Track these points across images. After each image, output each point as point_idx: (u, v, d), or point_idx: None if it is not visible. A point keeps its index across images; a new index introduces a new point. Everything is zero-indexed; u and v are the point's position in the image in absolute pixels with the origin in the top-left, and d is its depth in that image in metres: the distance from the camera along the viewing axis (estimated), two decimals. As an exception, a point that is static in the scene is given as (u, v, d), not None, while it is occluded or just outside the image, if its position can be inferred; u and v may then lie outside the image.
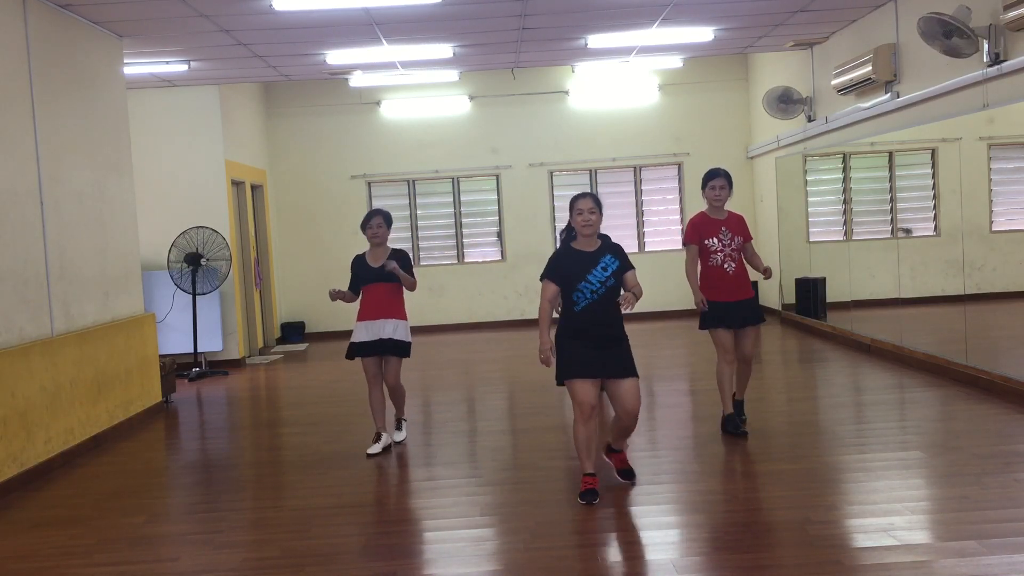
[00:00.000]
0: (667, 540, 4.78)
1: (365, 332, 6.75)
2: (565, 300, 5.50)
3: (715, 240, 6.69)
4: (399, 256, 6.81)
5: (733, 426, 6.70)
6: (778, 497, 5.38)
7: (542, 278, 5.57)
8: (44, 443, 6.74)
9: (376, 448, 6.78)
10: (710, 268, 6.72)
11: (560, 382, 5.46)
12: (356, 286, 6.85)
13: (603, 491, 5.53)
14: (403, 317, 6.83)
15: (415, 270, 7.20)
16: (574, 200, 5.52)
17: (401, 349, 6.78)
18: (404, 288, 6.81)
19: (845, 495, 5.39)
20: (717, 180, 6.73)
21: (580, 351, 5.38)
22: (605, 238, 5.63)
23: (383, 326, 6.72)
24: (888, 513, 4.86)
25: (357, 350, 6.79)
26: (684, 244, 6.87)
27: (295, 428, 8.16)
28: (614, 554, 4.66)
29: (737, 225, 6.78)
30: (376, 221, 6.80)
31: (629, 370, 5.43)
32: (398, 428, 7.12)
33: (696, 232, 6.74)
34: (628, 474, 5.71)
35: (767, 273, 6.70)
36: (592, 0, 8.48)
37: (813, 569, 4.20)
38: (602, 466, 5.77)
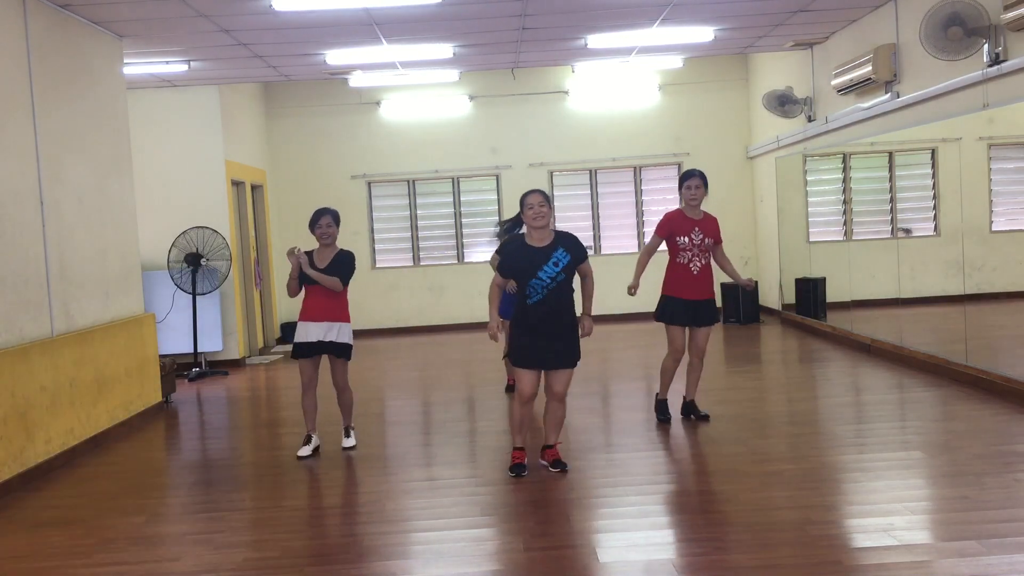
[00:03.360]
0: (667, 540, 4.78)
1: (308, 333, 6.73)
2: (519, 291, 5.81)
3: (686, 239, 6.91)
4: (342, 259, 6.75)
5: (663, 414, 7.16)
6: (778, 497, 5.38)
7: (496, 268, 6.05)
8: (44, 443, 6.74)
9: (306, 451, 6.81)
10: (678, 265, 6.98)
11: (509, 360, 6.00)
12: (301, 279, 6.72)
13: (603, 490, 5.54)
14: (346, 320, 6.81)
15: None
16: (524, 196, 5.82)
17: (343, 351, 6.80)
18: (333, 288, 6.70)
19: (845, 495, 5.39)
20: (692, 180, 6.99)
21: (530, 341, 5.80)
22: (559, 233, 5.85)
23: (327, 329, 6.71)
24: (888, 513, 4.86)
25: (299, 350, 6.77)
26: (654, 234, 7.11)
27: (295, 428, 8.15)
28: (614, 554, 4.65)
29: (711, 227, 6.99)
30: (325, 220, 6.73)
31: (568, 362, 5.85)
32: (346, 435, 7.01)
33: (668, 227, 6.98)
34: (558, 463, 5.95)
35: (748, 285, 6.99)
36: (592, 0, 8.48)
37: (813, 569, 4.20)
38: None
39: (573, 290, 5.84)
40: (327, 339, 6.72)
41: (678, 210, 7.07)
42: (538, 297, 5.72)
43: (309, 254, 6.77)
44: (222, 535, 5.19)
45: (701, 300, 6.95)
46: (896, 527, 4.65)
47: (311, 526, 5.23)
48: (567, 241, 5.80)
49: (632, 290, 6.89)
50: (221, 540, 5.10)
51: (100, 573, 4.71)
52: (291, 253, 6.66)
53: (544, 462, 6.01)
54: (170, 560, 4.87)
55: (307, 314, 6.75)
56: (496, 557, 4.64)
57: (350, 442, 6.97)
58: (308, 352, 6.76)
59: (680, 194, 7.04)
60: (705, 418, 7.11)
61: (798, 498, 5.26)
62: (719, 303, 12.43)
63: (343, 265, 6.74)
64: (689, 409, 7.19)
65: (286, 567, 4.61)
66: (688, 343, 7.08)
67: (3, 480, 6.15)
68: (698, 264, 6.90)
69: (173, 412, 9.08)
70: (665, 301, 7.03)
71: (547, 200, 5.77)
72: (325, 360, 6.90)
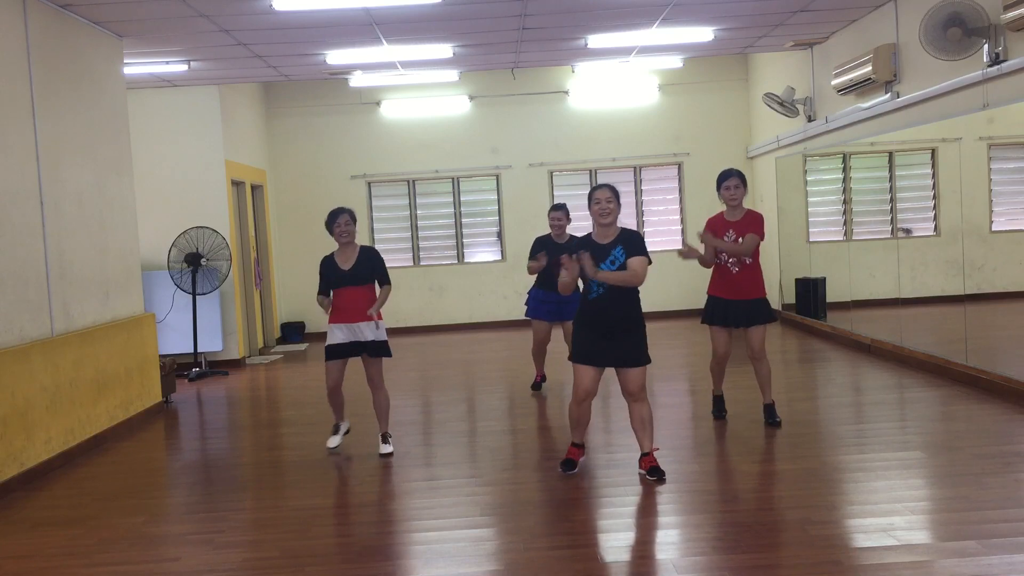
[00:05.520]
0: (667, 540, 4.78)
1: (342, 334, 6.63)
2: (583, 287, 5.73)
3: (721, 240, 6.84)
4: (370, 255, 6.71)
5: (718, 410, 7.17)
6: (778, 497, 5.38)
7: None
8: (44, 443, 6.74)
9: (335, 440, 6.85)
10: (719, 266, 6.94)
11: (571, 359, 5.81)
12: (326, 288, 6.70)
13: (603, 490, 5.55)
14: (379, 317, 6.73)
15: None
16: (592, 191, 5.75)
17: (383, 349, 6.73)
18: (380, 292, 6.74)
19: (845, 495, 5.39)
20: (731, 180, 6.87)
21: (590, 339, 5.66)
22: (624, 231, 5.73)
23: (362, 329, 6.63)
24: (888, 513, 4.86)
25: (336, 352, 6.66)
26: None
27: (295, 428, 8.16)
28: (614, 554, 4.65)
29: (746, 226, 6.82)
30: (343, 219, 6.64)
31: (636, 361, 5.66)
32: (384, 442, 6.79)
33: (709, 230, 6.91)
34: (655, 471, 5.67)
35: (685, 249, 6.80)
36: (592, 0, 8.48)
37: (813, 569, 4.20)
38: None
39: (638, 290, 5.67)
40: (363, 339, 6.64)
41: (719, 213, 6.96)
42: (596, 293, 5.62)
43: (331, 257, 6.73)
44: (222, 535, 5.19)
45: (743, 300, 6.81)
46: (896, 527, 4.65)
47: (311, 526, 5.23)
48: (627, 239, 5.67)
49: (700, 240, 6.77)
50: (221, 540, 5.10)
51: (100, 573, 4.71)
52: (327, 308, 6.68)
53: (642, 471, 5.73)
54: (170, 560, 4.88)
55: (338, 316, 6.63)
56: (496, 557, 4.64)
57: (387, 448, 6.72)
58: (340, 354, 6.66)
59: (719, 195, 6.89)
60: (777, 425, 6.85)
61: (798, 498, 5.26)
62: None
63: (377, 264, 6.68)
64: (766, 413, 6.97)
65: (286, 567, 4.61)
66: (745, 346, 6.97)
67: (3, 480, 6.15)
68: (737, 264, 6.79)
69: (173, 412, 9.07)
70: (708, 301, 6.99)
71: (615, 196, 5.66)
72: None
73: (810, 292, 11.84)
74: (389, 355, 6.79)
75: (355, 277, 6.63)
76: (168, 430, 8.40)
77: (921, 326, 9.55)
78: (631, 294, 5.65)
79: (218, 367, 11.43)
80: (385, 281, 6.78)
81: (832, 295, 11.35)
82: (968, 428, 6.73)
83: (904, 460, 5.91)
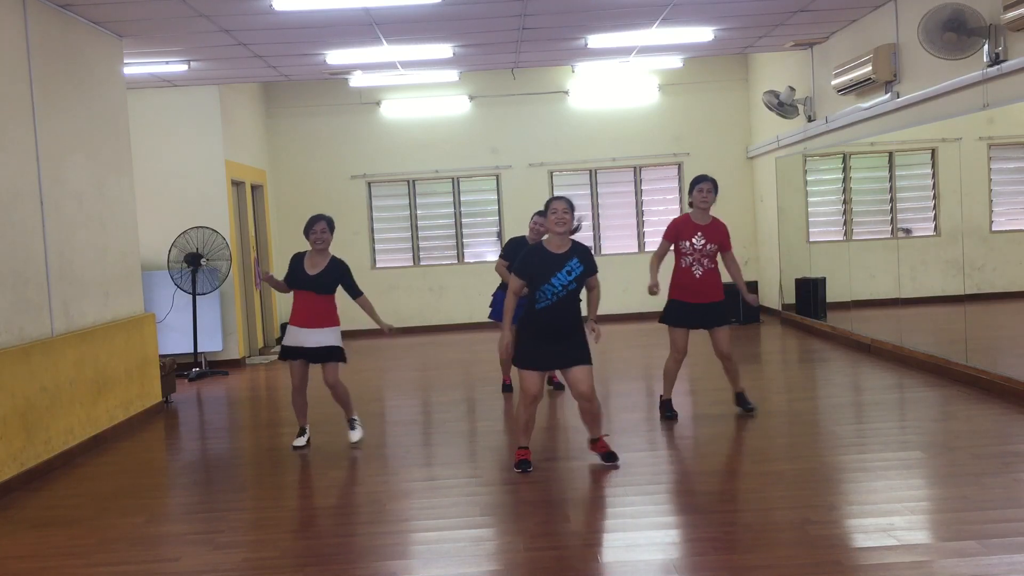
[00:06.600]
0: (667, 540, 4.78)
1: (297, 337, 6.87)
2: (529, 295, 5.92)
3: (688, 243, 7.08)
4: (338, 268, 6.91)
5: (669, 412, 7.29)
6: (778, 497, 5.38)
7: (511, 270, 6.07)
8: (44, 443, 6.74)
9: (301, 441, 7.04)
10: (682, 269, 7.15)
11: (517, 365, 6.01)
12: (290, 283, 6.95)
13: (603, 490, 5.55)
14: (334, 324, 6.94)
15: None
16: (550, 201, 5.99)
17: (335, 355, 6.90)
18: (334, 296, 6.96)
19: (845, 495, 5.39)
20: (704, 184, 7.15)
21: (535, 344, 5.90)
22: (575, 244, 5.98)
23: (315, 335, 6.83)
24: (888, 513, 4.86)
25: (287, 353, 6.95)
26: (662, 238, 7.29)
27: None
28: (614, 554, 4.66)
29: (715, 232, 7.14)
30: (320, 226, 6.88)
31: (580, 359, 5.91)
32: (352, 428, 7.04)
33: (673, 231, 7.18)
34: (610, 456, 6.02)
35: (751, 301, 7.20)
36: (592, 0, 8.49)
37: (813, 569, 4.20)
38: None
39: (580, 298, 5.95)
40: (315, 345, 6.82)
41: (686, 215, 7.22)
42: (546, 303, 5.84)
43: (302, 256, 6.93)
44: (222, 535, 5.19)
45: (705, 304, 7.06)
46: (896, 527, 4.65)
47: (311, 526, 5.24)
48: (582, 252, 5.94)
49: (653, 289, 7.02)
50: (221, 540, 5.10)
51: (100, 573, 4.71)
52: (264, 277, 7.03)
53: (597, 454, 6.08)
54: (170, 560, 4.88)
55: (295, 318, 6.91)
56: (496, 557, 4.64)
57: (356, 435, 6.99)
58: (296, 356, 6.90)
59: (691, 198, 7.18)
60: (751, 411, 7.22)
61: (798, 498, 5.26)
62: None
63: (344, 277, 6.90)
64: (739, 401, 7.33)
65: (286, 567, 4.61)
66: (712, 347, 7.21)
67: (3, 480, 6.15)
68: (700, 268, 7.03)
69: (173, 412, 9.08)
70: (669, 304, 7.20)
71: (571, 209, 5.91)
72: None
73: (810, 292, 11.84)
74: (343, 360, 6.96)
75: (317, 284, 6.85)
76: (168, 430, 8.40)
77: (921, 326, 9.55)
78: (575, 304, 5.93)
79: (218, 367, 11.43)
80: (356, 293, 6.96)
81: (832, 295, 11.35)
82: (968, 428, 6.73)
83: (904, 460, 5.91)
